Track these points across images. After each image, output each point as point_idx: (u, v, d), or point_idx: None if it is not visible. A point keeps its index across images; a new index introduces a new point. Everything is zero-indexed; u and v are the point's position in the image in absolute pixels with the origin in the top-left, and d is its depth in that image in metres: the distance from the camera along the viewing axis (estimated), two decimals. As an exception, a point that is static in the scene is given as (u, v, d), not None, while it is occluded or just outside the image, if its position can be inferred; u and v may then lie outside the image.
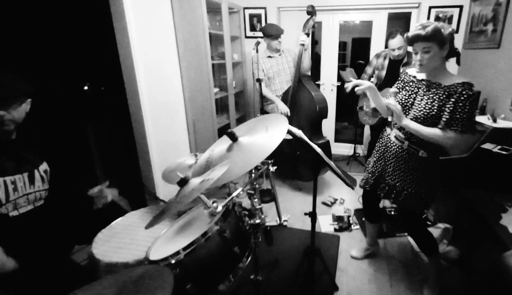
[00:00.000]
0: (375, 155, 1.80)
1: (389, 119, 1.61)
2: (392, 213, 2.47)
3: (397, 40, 2.68)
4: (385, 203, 2.66)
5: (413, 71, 1.62)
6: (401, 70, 2.78)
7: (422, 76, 1.55)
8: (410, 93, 1.57)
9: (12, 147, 1.18)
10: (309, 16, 2.82)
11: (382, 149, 1.72)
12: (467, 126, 1.38)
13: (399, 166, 1.63)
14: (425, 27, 1.36)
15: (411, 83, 1.59)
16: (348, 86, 1.67)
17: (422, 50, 1.40)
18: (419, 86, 1.54)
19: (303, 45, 2.79)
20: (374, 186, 1.79)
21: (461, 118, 1.37)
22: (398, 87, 1.67)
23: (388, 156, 1.68)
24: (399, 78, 1.70)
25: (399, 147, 1.60)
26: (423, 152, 1.54)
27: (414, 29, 1.40)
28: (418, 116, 1.48)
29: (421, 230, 1.78)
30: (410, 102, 1.55)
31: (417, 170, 1.57)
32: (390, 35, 2.73)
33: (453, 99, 1.38)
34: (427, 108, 1.46)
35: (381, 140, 1.78)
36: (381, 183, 1.75)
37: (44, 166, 1.27)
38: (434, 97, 1.45)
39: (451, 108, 1.39)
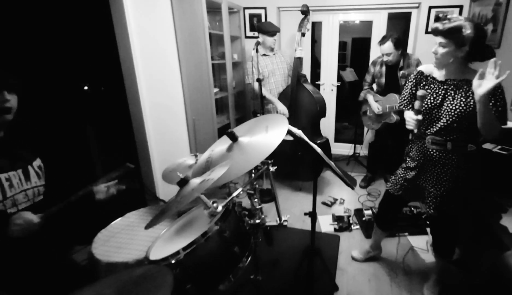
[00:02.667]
0: (410, 166, 1.67)
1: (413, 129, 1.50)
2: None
3: (386, 46, 2.62)
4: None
5: (425, 68, 1.56)
6: (399, 74, 2.76)
7: (442, 76, 1.48)
8: (435, 95, 1.48)
9: (3, 144, 1.18)
10: (304, 15, 2.84)
11: (421, 161, 1.60)
12: (505, 117, 1.37)
13: (446, 171, 1.52)
14: (445, 22, 1.33)
15: (431, 85, 1.51)
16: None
17: (439, 43, 1.37)
18: (445, 87, 1.46)
19: (299, 58, 2.85)
20: (407, 195, 1.71)
21: (503, 110, 1.36)
22: (425, 88, 1.55)
23: (430, 165, 1.57)
24: (416, 77, 1.59)
25: (442, 152, 1.50)
26: (471, 146, 1.46)
27: (441, 19, 1.37)
28: (454, 117, 1.41)
29: (454, 234, 1.68)
30: (436, 104, 1.47)
31: (467, 169, 1.49)
32: (382, 40, 2.67)
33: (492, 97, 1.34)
34: (462, 106, 1.39)
35: (411, 154, 1.67)
36: (420, 193, 1.66)
37: (37, 162, 1.27)
38: (468, 94, 1.39)
39: (492, 101, 1.34)
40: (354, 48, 6.08)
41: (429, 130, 1.52)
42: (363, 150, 4.03)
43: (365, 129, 3.98)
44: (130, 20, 2.35)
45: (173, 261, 0.98)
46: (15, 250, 1.16)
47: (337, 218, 2.65)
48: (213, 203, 1.07)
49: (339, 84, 4.03)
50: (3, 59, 1.97)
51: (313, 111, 2.98)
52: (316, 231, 2.07)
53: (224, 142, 1.25)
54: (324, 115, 3.08)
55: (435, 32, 1.36)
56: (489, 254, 1.73)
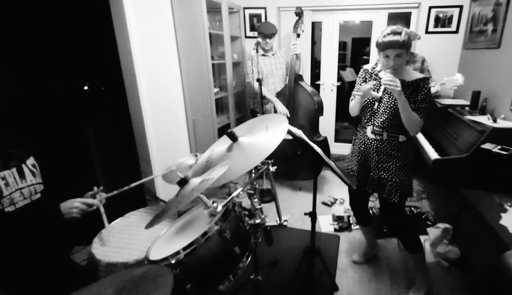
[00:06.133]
0: (354, 158, 1.83)
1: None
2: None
3: None
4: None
5: (369, 67, 1.73)
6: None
7: (383, 74, 1.62)
8: (376, 91, 1.63)
9: None
10: (298, 17, 2.91)
11: (362, 149, 1.76)
12: (426, 114, 1.55)
13: (382, 158, 1.69)
14: (396, 33, 1.45)
15: (375, 81, 1.66)
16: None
17: (395, 55, 1.49)
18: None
19: (294, 54, 2.91)
20: (362, 186, 1.81)
21: (424, 108, 1.54)
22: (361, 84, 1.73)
23: (369, 153, 1.73)
24: (360, 76, 1.76)
25: (379, 141, 1.67)
26: (403, 137, 1.63)
27: (384, 35, 1.48)
28: (391, 111, 1.59)
29: (404, 225, 1.81)
30: (377, 99, 1.62)
31: (399, 157, 1.65)
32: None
33: (417, 92, 1.54)
34: (396, 103, 1.56)
35: (356, 142, 1.83)
36: (367, 180, 1.78)
37: (31, 161, 1.27)
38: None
39: (417, 99, 1.54)
40: (354, 48, 6.07)
41: (370, 122, 1.69)
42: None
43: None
44: (130, 20, 2.35)
45: (173, 261, 0.98)
46: (15, 250, 1.15)
47: (337, 218, 2.65)
48: (213, 203, 1.07)
49: (339, 84, 4.03)
50: (8, 62, 1.97)
51: (312, 109, 2.99)
52: (316, 231, 2.07)
53: (224, 142, 1.25)
54: (322, 113, 3.09)
55: (394, 45, 1.45)
56: (489, 254, 1.73)
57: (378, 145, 1.68)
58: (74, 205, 1.22)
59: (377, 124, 1.65)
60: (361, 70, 1.78)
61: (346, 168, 1.90)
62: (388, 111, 1.60)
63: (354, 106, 1.75)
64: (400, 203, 1.68)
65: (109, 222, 1.42)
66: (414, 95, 1.55)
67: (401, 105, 1.50)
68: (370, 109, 1.67)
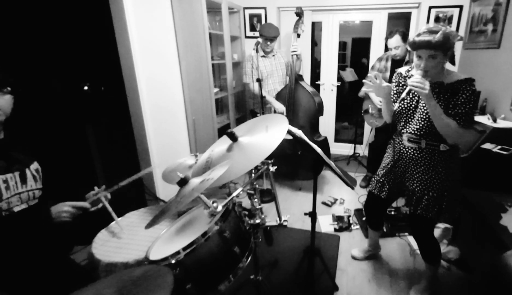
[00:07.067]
0: (387, 166, 1.72)
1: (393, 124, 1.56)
2: (392, 213, 2.47)
3: (394, 40, 2.67)
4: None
5: (403, 70, 1.59)
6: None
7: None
8: (411, 95, 1.51)
9: (1, 146, 1.18)
10: (298, 17, 2.92)
11: (396, 158, 1.64)
12: (469, 121, 1.38)
13: (419, 169, 1.55)
14: (432, 32, 1.29)
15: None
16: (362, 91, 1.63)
17: (427, 57, 1.34)
18: None
19: (295, 54, 2.90)
20: (391, 194, 1.73)
21: (466, 113, 1.36)
22: (397, 90, 1.63)
23: (405, 162, 1.61)
24: (394, 81, 1.65)
25: (417, 149, 1.54)
26: (444, 146, 1.47)
27: (419, 33, 1.33)
28: (426, 116, 1.45)
29: (431, 238, 1.69)
30: (413, 104, 1.52)
31: (439, 169, 1.51)
32: (389, 34, 2.73)
33: (458, 96, 1.37)
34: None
35: (389, 150, 1.72)
36: (400, 191, 1.69)
37: (35, 166, 1.27)
38: (439, 96, 1.42)
39: (457, 103, 1.37)
40: (354, 48, 6.08)
41: (405, 129, 1.56)
42: (363, 150, 4.03)
43: (366, 129, 3.98)
44: (130, 20, 2.35)
45: (173, 261, 0.98)
46: (14, 251, 1.15)
47: (337, 218, 2.65)
48: (213, 203, 1.07)
49: (339, 84, 4.03)
50: (3, 61, 1.97)
51: (312, 109, 2.99)
52: (316, 231, 2.07)
53: (224, 142, 1.24)
54: (322, 113, 3.10)
55: (426, 45, 1.31)
56: (489, 254, 1.73)
57: (416, 154, 1.54)
58: (63, 209, 1.19)
59: (413, 131, 1.51)
60: (395, 74, 1.64)
61: (376, 174, 1.80)
62: (425, 117, 1.45)
63: (384, 111, 1.65)
64: (436, 219, 1.56)
65: (112, 221, 1.43)
66: (454, 99, 1.38)
67: (431, 110, 1.36)
68: (405, 114, 1.54)
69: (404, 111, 1.54)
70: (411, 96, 1.52)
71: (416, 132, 1.51)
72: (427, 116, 1.44)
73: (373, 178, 1.84)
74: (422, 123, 1.47)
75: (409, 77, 1.53)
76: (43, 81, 2.38)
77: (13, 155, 1.21)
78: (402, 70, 1.61)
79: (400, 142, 1.61)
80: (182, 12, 2.84)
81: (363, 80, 1.61)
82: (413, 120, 1.52)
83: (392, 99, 1.65)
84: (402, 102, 1.53)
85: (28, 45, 2.25)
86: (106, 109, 2.80)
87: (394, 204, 2.35)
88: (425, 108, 1.45)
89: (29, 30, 2.23)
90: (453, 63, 1.44)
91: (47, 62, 2.38)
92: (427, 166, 1.53)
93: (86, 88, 2.79)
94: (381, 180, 1.75)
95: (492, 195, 1.90)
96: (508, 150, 1.91)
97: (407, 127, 1.55)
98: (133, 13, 2.37)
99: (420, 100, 1.48)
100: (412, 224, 1.71)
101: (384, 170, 1.75)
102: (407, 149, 1.58)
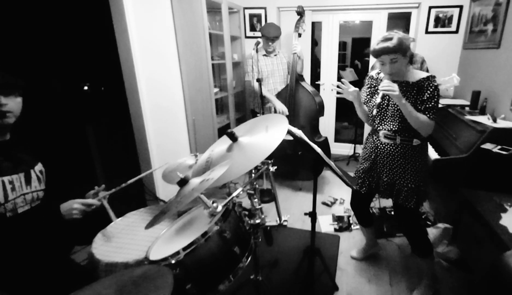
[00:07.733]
0: (365, 162, 1.81)
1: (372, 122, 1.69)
2: (392, 213, 2.47)
3: None
4: (384, 203, 2.66)
5: (374, 73, 1.73)
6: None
7: (389, 78, 1.60)
8: (382, 96, 1.62)
9: (7, 147, 1.18)
10: (299, 16, 2.92)
11: (374, 155, 1.75)
12: (435, 113, 1.53)
13: (396, 163, 1.67)
14: (388, 39, 1.47)
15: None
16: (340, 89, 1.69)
17: (390, 61, 1.50)
18: None
19: (295, 53, 2.91)
20: (370, 188, 1.81)
21: (433, 107, 1.52)
22: (369, 92, 1.74)
23: (382, 158, 1.72)
24: (366, 84, 1.77)
25: (392, 145, 1.66)
26: (417, 140, 1.62)
27: (377, 42, 1.50)
28: (398, 114, 1.57)
29: (419, 229, 1.79)
30: (385, 103, 1.64)
31: (414, 162, 1.64)
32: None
33: (423, 92, 1.52)
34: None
35: (367, 146, 1.82)
36: (380, 185, 1.77)
37: (39, 167, 1.27)
38: (406, 94, 1.56)
39: (423, 99, 1.52)
40: (354, 48, 6.08)
41: (381, 126, 1.68)
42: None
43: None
44: (130, 20, 2.35)
45: (173, 261, 0.98)
46: (15, 251, 1.15)
47: (337, 218, 2.65)
48: (213, 203, 1.07)
49: (339, 84, 4.02)
50: (4, 61, 1.97)
51: (313, 110, 2.99)
52: (316, 231, 2.07)
53: (224, 142, 1.24)
54: (323, 113, 3.10)
55: (385, 51, 1.47)
56: (489, 254, 1.73)
57: (392, 149, 1.66)
58: (73, 206, 1.22)
59: (388, 129, 1.64)
60: (367, 78, 1.79)
61: (356, 171, 1.88)
62: (397, 114, 1.59)
63: (358, 112, 1.77)
64: (416, 207, 1.67)
65: (109, 222, 1.43)
66: (420, 95, 1.54)
67: (403, 108, 1.50)
68: (379, 114, 1.66)
69: (379, 110, 1.67)
70: (381, 96, 1.64)
71: (392, 128, 1.63)
72: (399, 113, 1.57)
73: (353, 175, 1.90)
74: (396, 120, 1.61)
75: (381, 79, 1.65)
76: (43, 81, 2.38)
77: (18, 156, 1.21)
78: (373, 73, 1.75)
79: (377, 139, 1.72)
80: (182, 12, 2.84)
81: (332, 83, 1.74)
82: (386, 118, 1.65)
83: (364, 100, 1.76)
84: (379, 106, 1.64)
85: (28, 45, 2.25)
86: (106, 109, 2.80)
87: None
88: (395, 106, 1.58)
89: (29, 30, 2.23)
90: (411, 63, 1.54)
91: (47, 62, 2.39)
92: (403, 160, 1.65)
93: (86, 88, 2.79)
94: (361, 176, 1.83)
95: (492, 195, 1.90)
96: (508, 150, 1.91)
97: (383, 124, 1.67)
98: (133, 13, 2.37)
99: (390, 99, 1.61)
100: (398, 217, 1.82)
101: (362, 167, 1.84)
102: (383, 145, 1.69)
